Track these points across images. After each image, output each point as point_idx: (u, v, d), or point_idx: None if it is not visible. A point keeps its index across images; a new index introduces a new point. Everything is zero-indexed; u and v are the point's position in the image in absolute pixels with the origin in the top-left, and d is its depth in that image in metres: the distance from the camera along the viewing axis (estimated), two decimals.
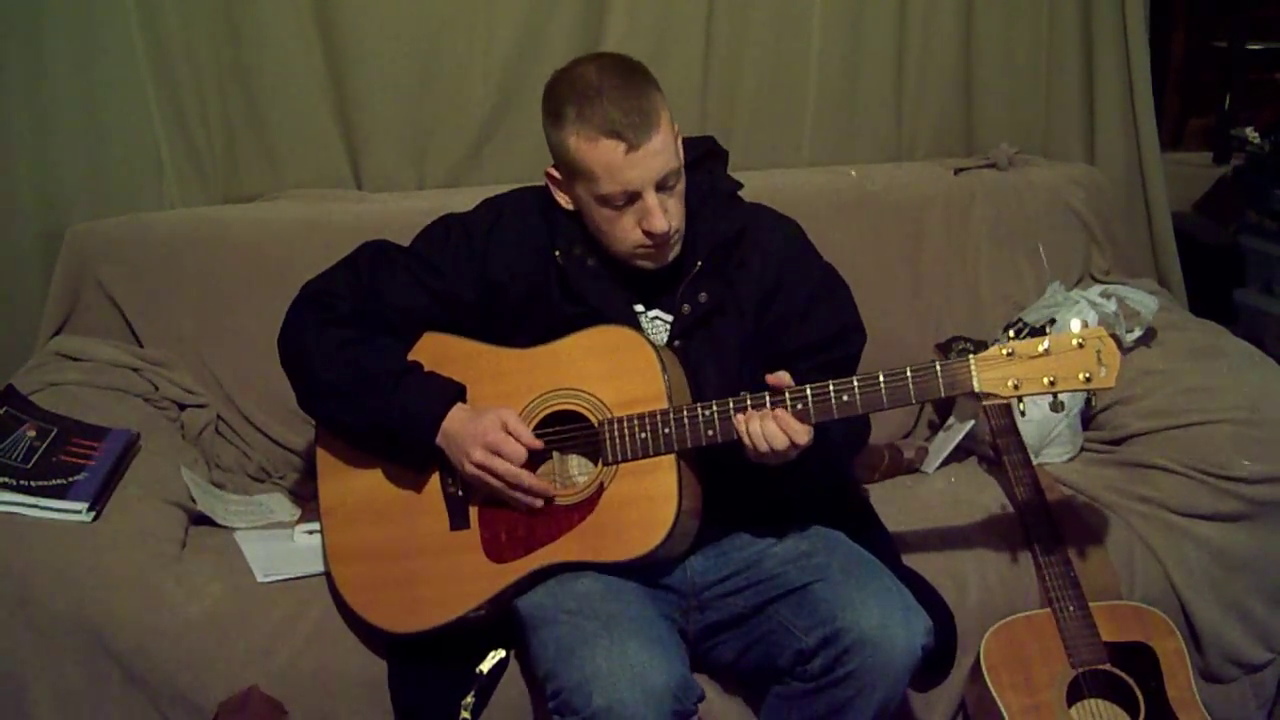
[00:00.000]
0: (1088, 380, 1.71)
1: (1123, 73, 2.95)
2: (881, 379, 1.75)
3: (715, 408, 1.80)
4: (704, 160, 1.98)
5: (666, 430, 1.81)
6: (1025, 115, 2.98)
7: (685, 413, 1.81)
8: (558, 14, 2.67)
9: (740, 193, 2.00)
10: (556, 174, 1.90)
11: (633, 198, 1.81)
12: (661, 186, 1.81)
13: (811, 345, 1.90)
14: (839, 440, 1.88)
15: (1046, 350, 1.72)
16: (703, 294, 1.91)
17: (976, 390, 1.74)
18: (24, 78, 2.46)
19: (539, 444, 1.86)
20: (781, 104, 2.85)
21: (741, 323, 1.94)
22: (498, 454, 1.84)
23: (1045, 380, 1.72)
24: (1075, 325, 1.74)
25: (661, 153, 1.80)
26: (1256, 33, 4.09)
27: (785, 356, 1.86)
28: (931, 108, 2.95)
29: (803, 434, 1.74)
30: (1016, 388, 1.73)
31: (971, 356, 1.74)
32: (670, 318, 1.94)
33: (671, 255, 1.89)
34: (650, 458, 1.82)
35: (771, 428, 1.74)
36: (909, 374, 1.75)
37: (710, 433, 1.80)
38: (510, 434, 1.85)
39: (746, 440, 1.76)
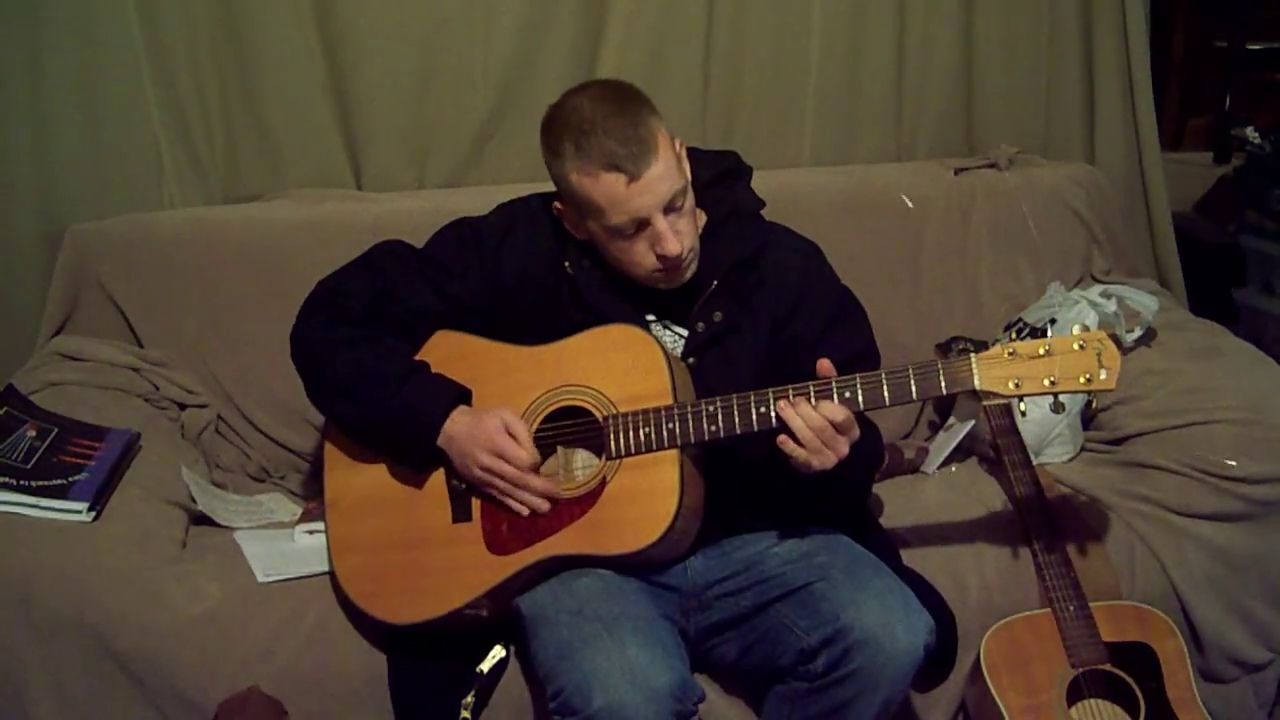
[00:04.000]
0: (1088, 381, 1.72)
1: (1123, 73, 2.95)
2: (884, 376, 1.77)
3: (719, 403, 1.81)
4: (726, 177, 1.98)
5: (670, 426, 1.82)
6: (1025, 115, 2.98)
7: (689, 408, 1.82)
8: (558, 13, 2.67)
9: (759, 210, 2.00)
10: (566, 210, 1.91)
11: (642, 224, 1.81)
12: (669, 209, 1.81)
13: None
14: (863, 461, 1.88)
15: (1048, 351, 1.73)
16: (717, 313, 1.92)
17: (977, 388, 1.75)
18: (24, 78, 2.46)
19: (535, 454, 1.87)
20: (781, 104, 2.85)
21: (755, 342, 1.94)
22: (502, 458, 1.85)
23: (1046, 381, 1.73)
24: (1077, 329, 1.75)
25: (664, 177, 1.80)
26: (1256, 33, 4.09)
27: (799, 379, 1.84)
28: (931, 108, 2.95)
29: (839, 412, 1.75)
30: (1017, 387, 1.74)
31: (973, 355, 1.76)
32: (683, 331, 1.95)
33: (688, 274, 1.89)
34: (654, 452, 1.83)
35: (805, 408, 1.75)
36: (910, 372, 1.77)
37: (713, 428, 1.81)
38: (512, 436, 1.85)
39: (795, 428, 1.75)
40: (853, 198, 2.71)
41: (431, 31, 2.63)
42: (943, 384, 1.76)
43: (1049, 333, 2.39)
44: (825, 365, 1.79)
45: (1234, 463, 2.18)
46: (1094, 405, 2.42)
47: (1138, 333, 2.48)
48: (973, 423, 2.44)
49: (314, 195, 2.64)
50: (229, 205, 2.65)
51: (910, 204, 2.71)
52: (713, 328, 1.92)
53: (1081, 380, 1.72)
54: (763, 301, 1.96)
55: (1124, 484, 2.28)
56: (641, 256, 1.85)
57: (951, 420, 2.51)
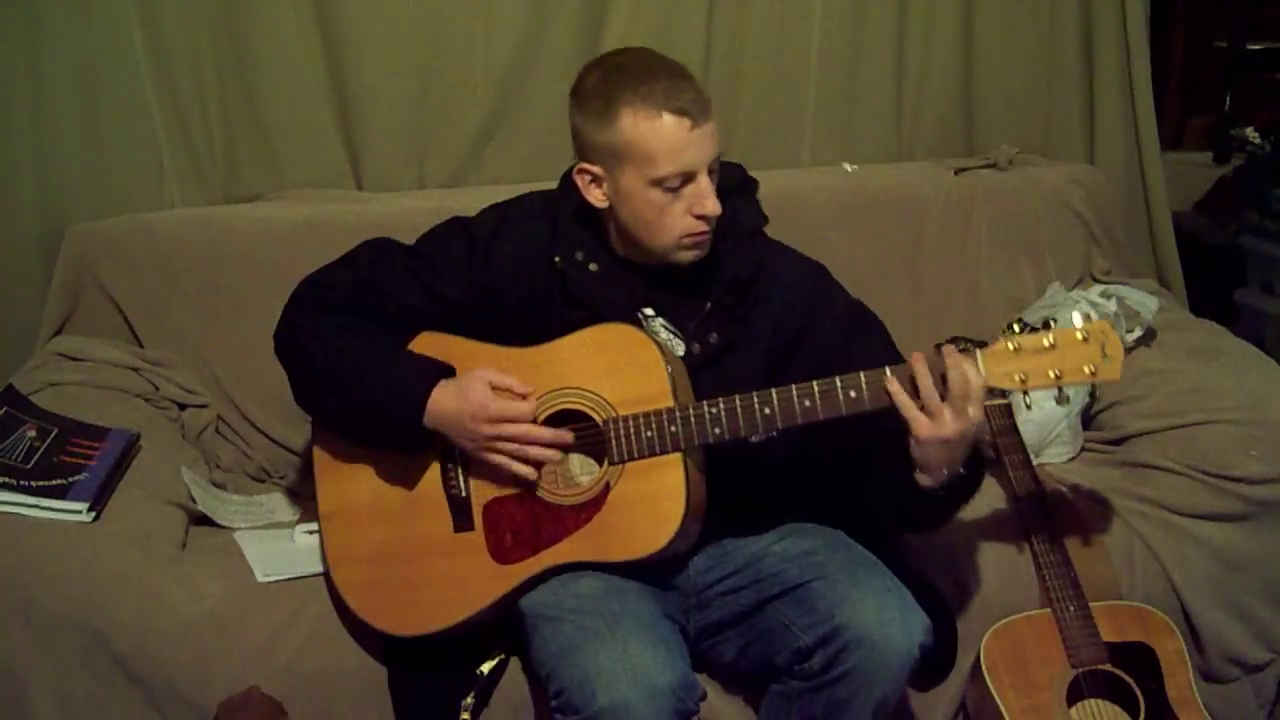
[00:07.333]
0: (1093, 373, 1.72)
1: (1123, 73, 2.95)
2: (887, 374, 1.75)
3: (722, 405, 1.79)
4: (730, 191, 1.93)
5: (673, 428, 1.80)
6: (1025, 115, 2.99)
7: (691, 410, 1.80)
8: (558, 14, 2.67)
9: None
10: (594, 169, 1.86)
11: (686, 179, 1.80)
12: (712, 170, 1.83)
13: None
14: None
15: (1052, 344, 1.73)
16: (714, 334, 1.90)
17: (984, 384, 1.74)
18: (24, 78, 2.46)
19: (529, 389, 1.84)
20: (781, 104, 2.85)
21: (753, 362, 1.92)
22: (504, 420, 1.82)
23: (1051, 374, 1.72)
24: (1077, 319, 1.74)
25: (715, 136, 1.81)
26: (1256, 33, 4.10)
27: None
28: (931, 108, 2.95)
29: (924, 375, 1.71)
30: (1023, 381, 1.73)
31: (978, 351, 1.75)
32: (677, 330, 1.93)
33: (706, 249, 1.87)
34: (657, 456, 1.82)
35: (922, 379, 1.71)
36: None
37: (717, 430, 1.79)
38: (501, 390, 1.83)
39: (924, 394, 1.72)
40: (853, 198, 2.71)
41: (432, 31, 2.63)
42: None
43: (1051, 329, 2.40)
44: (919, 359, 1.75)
45: (1239, 472, 2.18)
46: (1098, 397, 2.41)
47: (1138, 333, 2.48)
48: None
49: (314, 195, 2.64)
50: (229, 205, 2.65)
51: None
52: (709, 350, 1.90)
53: (1086, 371, 1.72)
54: (762, 320, 1.93)
55: (1124, 484, 2.28)
56: (675, 218, 1.82)
57: None
